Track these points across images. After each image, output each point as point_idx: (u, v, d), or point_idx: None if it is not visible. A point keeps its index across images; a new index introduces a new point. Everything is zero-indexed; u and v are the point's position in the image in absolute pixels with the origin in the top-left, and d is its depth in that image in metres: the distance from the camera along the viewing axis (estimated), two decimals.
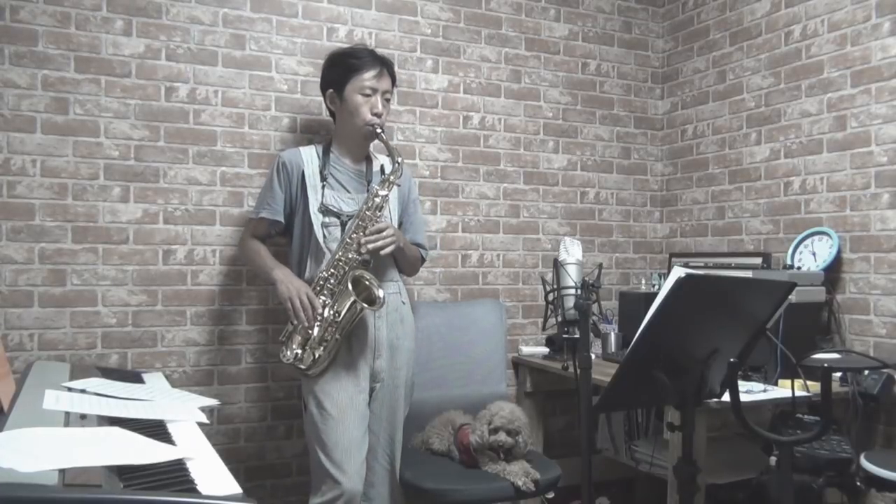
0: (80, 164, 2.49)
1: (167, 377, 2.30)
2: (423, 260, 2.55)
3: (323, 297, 2.19)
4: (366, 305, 2.16)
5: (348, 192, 2.33)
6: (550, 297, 2.44)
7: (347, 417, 2.20)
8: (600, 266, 2.45)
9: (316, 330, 2.17)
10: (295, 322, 2.18)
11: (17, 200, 2.42)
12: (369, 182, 2.36)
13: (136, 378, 2.12)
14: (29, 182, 2.43)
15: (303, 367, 2.18)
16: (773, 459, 2.22)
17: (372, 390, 2.32)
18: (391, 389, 2.35)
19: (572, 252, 2.47)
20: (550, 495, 2.52)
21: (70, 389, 1.73)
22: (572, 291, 2.35)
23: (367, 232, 2.19)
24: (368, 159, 2.42)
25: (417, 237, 2.51)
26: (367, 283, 2.21)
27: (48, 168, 2.45)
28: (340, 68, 2.31)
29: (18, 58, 2.41)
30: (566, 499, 2.86)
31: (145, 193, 2.57)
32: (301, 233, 2.33)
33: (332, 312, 2.17)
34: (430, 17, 3.01)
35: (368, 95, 2.28)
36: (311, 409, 2.24)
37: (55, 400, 1.58)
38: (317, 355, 2.17)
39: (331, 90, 2.34)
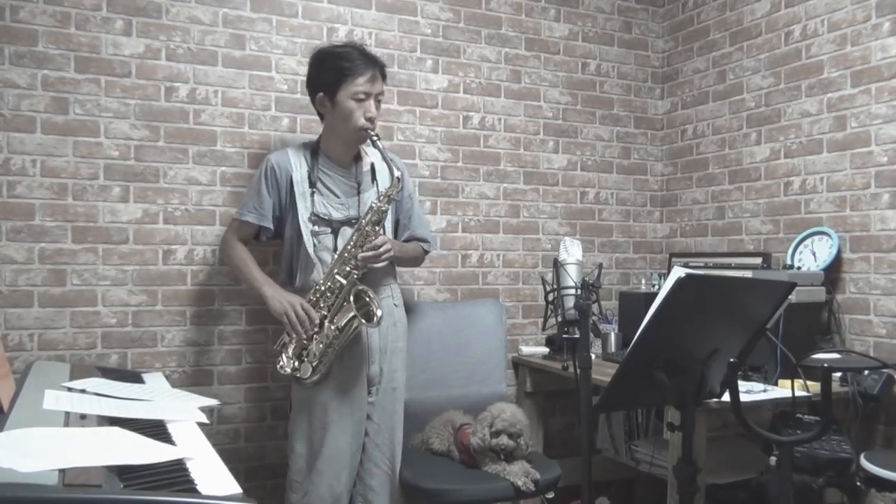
0: (80, 164, 2.49)
1: (167, 377, 2.31)
2: (426, 252, 2.55)
3: (321, 310, 2.18)
4: (364, 322, 2.15)
5: (338, 196, 2.31)
6: (550, 297, 2.44)
7: (336, 427, 2.22)
8: (600, 266, 2.45)
9: (314, 344, 2.17)
10: (292, 335, 2.19)
11: (17, 200, 2.42)
12: (359, 184, 2.33)
13: (135, 378, 2.12)
14: (29, 182, 2.43)
15: (300, 376, 2.20)
16: (773, 459, 2.21)
17: (369, 395, 2.31)
18: (387, 392, 2.35)
19: (572, 252, 2.47)
20: (550, 495, 2.52)
21: (70, 389, 1.74)
22: (572, 291, 2.35)
23: (364, 248, 2.17)
24: (357, 157, 2.37)
25: (418, 232, 2.49)
26: (367, 299, 2.19)
27: (48, 168, 2.45)
28: (331, 72, 2.21)
29: (18, 58, 2.41)
30: (566, 499, 2.85)
31: (145, 193, 2.57)
32: (291, 240, 2.32)
33: (333, 328, 2.16)
34: (430, 17, 3.01)
35: (362, 100, 2.20)
36: (300, 416, 2.26)
37: (55, 400, 1.58)
38: (314, 366, 2.19)
39: (321, 94, 2.24)
